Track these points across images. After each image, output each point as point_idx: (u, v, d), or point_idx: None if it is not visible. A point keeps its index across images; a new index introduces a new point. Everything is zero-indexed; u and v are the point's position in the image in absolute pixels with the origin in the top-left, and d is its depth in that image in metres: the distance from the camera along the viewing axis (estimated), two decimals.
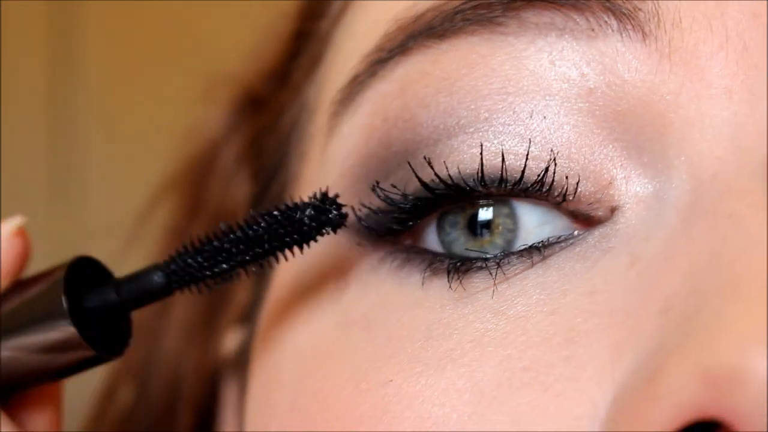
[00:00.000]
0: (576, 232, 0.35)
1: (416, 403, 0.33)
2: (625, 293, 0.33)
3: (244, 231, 0.36)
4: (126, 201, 0.57)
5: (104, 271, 0.38)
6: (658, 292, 0.32)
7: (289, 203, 0.36)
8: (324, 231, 0.36)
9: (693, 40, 0.34)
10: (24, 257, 0.38)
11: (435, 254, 0.36)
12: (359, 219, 0.37)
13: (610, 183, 0.35)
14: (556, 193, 0.35)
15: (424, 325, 0.35)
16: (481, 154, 0.35)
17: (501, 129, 0.35)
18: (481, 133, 0.35)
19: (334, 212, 0.35)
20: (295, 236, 0.36)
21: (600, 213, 0.35)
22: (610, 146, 0.35)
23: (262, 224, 0.36)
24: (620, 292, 0.33)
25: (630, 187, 0.34)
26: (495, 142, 0.35)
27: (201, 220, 0.54)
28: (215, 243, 0.36)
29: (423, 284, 0.36)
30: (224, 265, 0.36)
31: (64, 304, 0.36)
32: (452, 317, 0.35)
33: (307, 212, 0.35)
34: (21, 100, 1.33)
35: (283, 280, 0.41)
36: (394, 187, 0.37)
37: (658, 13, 0.34)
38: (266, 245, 0.36)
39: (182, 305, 0.53)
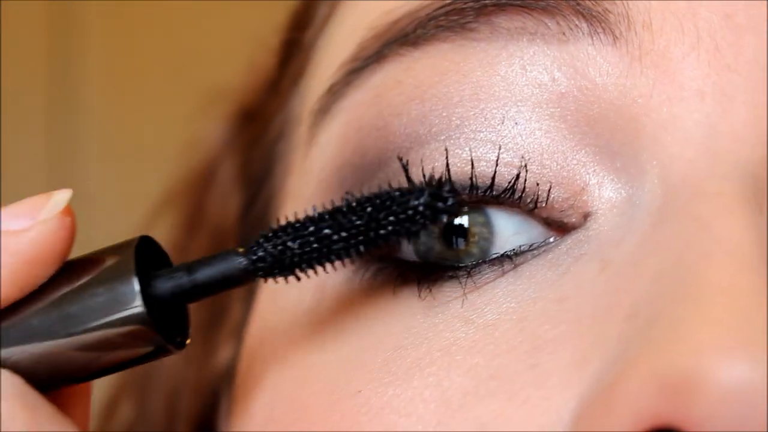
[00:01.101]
0: (551, 239, 0.35)
1: (384, 413, 0.33)
2: (593, 299, 0.32)
3: (345, 215, 0.33)
4: (126, 201, 0.57)
5: (162, 254, 0.34)
6: (624, 298, 0.31)
7: (402, 187, 0.33)
8: (438, 219, 0.33)
9: (664, 42, 0.34)
10: (73, 238, 0.34)
11: (407, 263, 0.36)
12: None
13: (583, 189, 0.34)
14: (528, 200, 0.35)
15: (393, 334, 0.35)
16: (447, 160, 0.35)
17: (472, 136, 0.35)
18: (452, 141, 0.35)
19: (451, 200, 0.33)
20: (407, 224, 0.33)
21: (573, 219, 0.34)
22: (583, 151, 0.34)
23: (367, 208, 0.33)
24: (589, 299, 0.32)
25: (603, 192, 0.34)
26: (465, 148, 0.35)
27: (200, 235, 0.53)
28: (310, 227, 0.33)
29: (394, 293, 0.36)
30: (319, 253, 0.33)
31: (136, 288, 0.32)
32: (422, 326, 0.34)
33: (422, 199, 0.33)
34: (21, 100, 1.33)
35: (265, 294, 0.41)
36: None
37: (628, 16, 0.34)
38: (371, 233, 0.33)
39: None
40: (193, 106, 0.56)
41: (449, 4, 0.36)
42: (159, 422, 0.53)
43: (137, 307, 0.32)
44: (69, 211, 0.34)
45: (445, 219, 0.33)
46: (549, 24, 0.35)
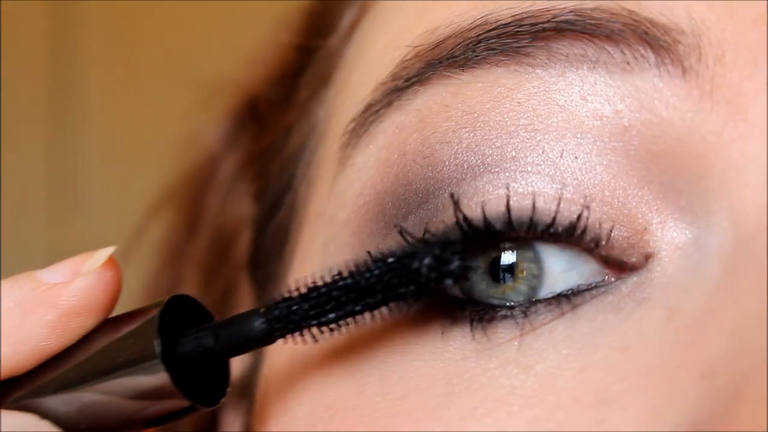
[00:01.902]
0: (606, 278, 0.33)
1: None
2: (662, 351, 0.30)
3: (354, 278, 0.33)
4: (127, 201, 0.56)
5: (201, 310, 0.35)
6: (699, 353, 0.29)
7: (407, 250, 0.33)
8: (443, 283, 0.32)
9: (737, 76, 0.32)
10: (116, 292, 0.34)
11: (455, 300, 0.34)
12: None
13: (645, 228, 0.32)
14: (588, 239, 0.33)
15: (444, 378, 0.33)
16: (507, 194, 0.33)
17: (529, 169, 0.33)
18: (508, 173, 0.33)
19: (456, 263, 0.32)
20: (411, 287, 0.32)
21: (634, 260, 0.32)
22: (646, 188, 0.32)
23: (375, 271, 0.33)
24: (657, 349, 0.30)
25: (666, 233, 0.32)
26: (522, 183, 0.33)
27: (200, 234, 0.52)
28: (322, 290, 0.33)
29: (443, 333, 0.33)
30: (332, 315, 0.33)
31: (157, 349, 0.33)
32: (475, 371, 0.32)
33: (426, 261, 0.32)
34: (21, 100, 1.33)
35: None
36: (421, 229, 0.34)
37: (699, 47, 0.32)
38: (379, 295, 0.33)
39: None
40: (194, 104, 0.55)
41: (503, 26, 0.34)
42: None
43: (158, 369, 0.33)
44: (112, 264, 0.34)
45: (451, 283, 0.32)
46: (612, 52, 0.33)
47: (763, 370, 0.28)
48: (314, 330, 0.33)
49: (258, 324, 0.33)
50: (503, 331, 0.33)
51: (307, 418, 0.35)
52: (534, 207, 0.33)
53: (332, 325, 0.33)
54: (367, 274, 0.33)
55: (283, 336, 0.33)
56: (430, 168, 0.34)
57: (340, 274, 0.33)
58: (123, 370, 0.34)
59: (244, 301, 0.49)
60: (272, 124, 0.47)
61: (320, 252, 0.37)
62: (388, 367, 0.34)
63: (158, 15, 1.36)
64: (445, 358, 0.33)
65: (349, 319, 0.33)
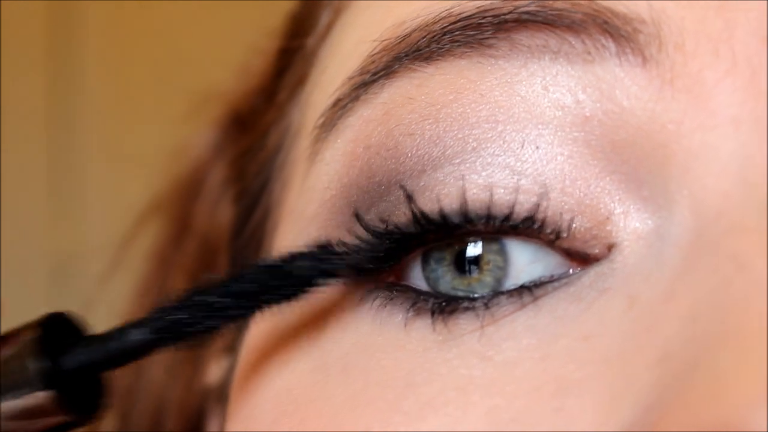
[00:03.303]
0: (571, 271, 0.33)
1: None
2: (621, 338, 0.30)
3: (230, 285, 0.34)
4: (126, 202, 0.56)
5: (77, 327, 0.36)
6: (655, 339, 0.29)
7: (283, 255, 0.34)
8: (321, 282, 0.33)
9: (697, 65, 0.31)
10: None
11: (419, 293, 0.34)
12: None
13: (608, 218, 0.32)
14: (548, 230, 0.33)
15: (405, 369, 0.33)
16: (463, 186, 0.33)
17: (490, 160, 0.33)
18: (467, 165, 0.33)
19: (335, 261, 0.33)
20: (290, 288, 0.34)
21: (596, 251, 0.32)
22: (608, 179, 0.32)
23: (251, 276, 0.34)
24: (616, 337, 0.30)
25: (629, 223, 0.32)
26: (483, 174, 0.33)
27: (188, 244, 0.52)
28: (198, 298, 0.34)
29: (405, 325, 0.33)
30: (210, 322, 0.34)
31: (37, 367, 0.34)
32: (436, 362, 0.32)
33: (301, 263, 0.33)
34: (21, 100, 1.33)
35: (260, 319, 0.38)
36: (382, 221, 0.34)
37: (659, 36, 0.32)
38: (258, 297, 0.34)
39: None
40: (195, 105, 0.54)
41: (466, 18, 0.34)
42: None
43: (39, 387, 0.34)
44: None
45: (328, 282, 0.34)
46: (573, 42, 0.33)
47: (715, 353, 0.28)
48: (196, 337, 0.34)
49: (137, 335, 0.34)
50: (465, 323, 0.33)
51: (272, 412, 0.35)
52: (491, 199, 0.33)
53: (212, 331, 0.34)
54: (243, 280, 0.34)
55: (164, 345, 0.34)
56: (393, 160, 0.34)
57: (217, 282, 0.34)
58: (4, 390, 0.34)
59: None
60: (252, 126, 0.47)
61: (291, 248, 0.37)
62: (351, 360, 0.34)
63: (158, 15, 1.36)
64: (407, 349, 0.33)
65: (231, 323, 0.34)
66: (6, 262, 1.16)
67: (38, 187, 1.35)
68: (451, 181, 0.33)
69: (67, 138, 1.36)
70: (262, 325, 0.38)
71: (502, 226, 0.33)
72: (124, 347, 0.34)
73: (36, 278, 1.23)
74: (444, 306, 0.33)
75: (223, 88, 0.52)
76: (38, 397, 0.34)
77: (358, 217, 0.35)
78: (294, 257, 0.34)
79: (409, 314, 0.33)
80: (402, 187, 0.34)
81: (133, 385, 0.52)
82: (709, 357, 0.28)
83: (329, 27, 0.41)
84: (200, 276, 0.52)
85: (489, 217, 0.33)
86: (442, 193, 0.33)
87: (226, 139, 0.51)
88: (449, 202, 0.33)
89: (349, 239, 0.35)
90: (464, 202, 0.33)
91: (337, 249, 0.34)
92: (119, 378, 0.53)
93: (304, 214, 0.37)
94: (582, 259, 0.33)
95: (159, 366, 0.52)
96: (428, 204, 0.33)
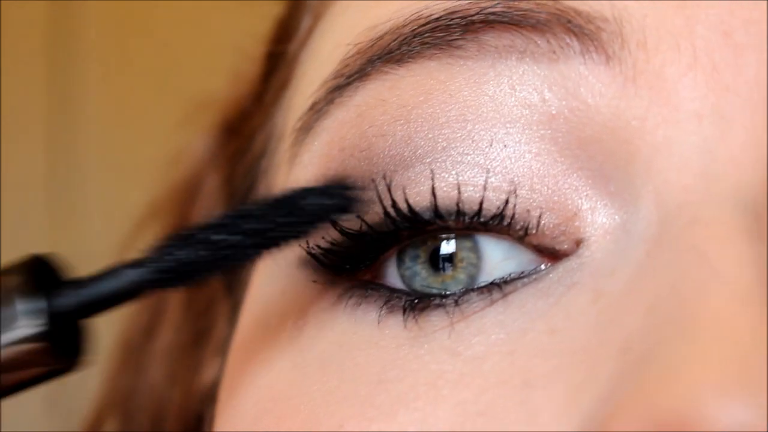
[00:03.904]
0: (542, 267, 0.33)
1: None
2: (586, 332, 0.31)
3: (237, 221, 0.33)
4: (126, 202, 0.56)
5: (58, 270, 0.34)
6: (618, 331, 0.30)
7: (294, 190, 0.33)
8: (333, 217, 0.33)
9: (659, 61, 0.32)
10: None
11: (392, 290, 0.35)
12: (314, 256, 0.36)
13: (575, 214, 0.33)
14: (517, 227, 0.33)
15: (378, 366, 0.33)
16: (433, 184, 0.34)
17: (459, 159, 0.34)
18: (438, 163, 0.34)
19: (348, 196, 0.33)
20: (302, 224, 0.33)
21: (565, 246, 0.33)
22: (575, 175, 0.33)
23: (259, 212, 0.33)
24: (581, 331, 0.31)
25: (596, 218, 0.33)
26: (452, 172, 0.34)
27: None
28: (201, 235, 0.33)
29: (379, 323, 0.34)
30: (214, 261, 0.33)
31: (28, 308, 0.32)
32: (407, 358, 0.33)
33: (313, 198, 0.33)
34: (20, 100, 1.33)
35: (247, 316, 0.39)
36: (357, 221, 0.35)
37: (621, 34, 0.32)
38: (267, 234, 0.33)
39: (165, 336, 0.52)
40: (194, 106, 0.55)
41: (435, 20, 0.34)
42: None
43: (32, 326, 0.32)
44: None
45: (340, 217, 0.33)
46: (539, 42, 0.33)
47: (670, 343, 0.28)
48: (197, 276, 0.33)
49: (130, 275, 0.32)
50: (436, 320, 0.33)
51: (254, 410, 0.36)
52: (460, 196, 0.34)
53: (213, 270, 0.33)
54: (249, 214, 0.32)
55: (163, 285, 0.33)
56: (366, 161, 0.35)
57: (219, 218, 0.33)
58: None
59: (223, 311, 0.49)
60: (241, 130, 0.48)
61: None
62: (328, 358, 0.35)
63: (158, 15, 1.36)
64: (380, 346, 0.34)
65: (232, 263, 0.33)
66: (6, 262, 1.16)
67: (38, 188, 1.35)
68: (422, 179, 0.34)
69: (66, 138, 1.36)
70: (248, 323, 0.39)
71: (472, 222, 0.34)
72: (119, 287, 0.33)
73: None
74: (416, 303, 0.34)
75: (219, 95, 0.52)
76: (28, 339, 0.32)
77: (331, 224, 0.35)
78: (306, 192, 0.33)
79: (383, 312, 0.34)
80: (374, 187, 0.35)
81: (134, 386, 0.52)
82: (665, 347, 0.28)
83: (310, 31, 0.42)
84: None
85: (459, 213, 0.34)
86: (413, 191, 0.34)
87: (220, 145, 0.52)
88: (420, 200, 0.34)
89: (326, 240, 0.35)
90: (434, 199, 0.34)
91: (349, 184, 0.33)
92: (121, 379, 0.53)
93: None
94: (552, 255, 0.33)
95: (158, 368, 0.52)
96: (400, 202, 0.34)
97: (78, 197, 1.35)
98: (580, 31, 0.33)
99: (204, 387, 0.50)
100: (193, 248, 0.32)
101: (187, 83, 0.60)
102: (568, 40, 0.33)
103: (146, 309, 0.54)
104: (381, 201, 0.34)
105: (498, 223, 0.33)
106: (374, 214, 0.35)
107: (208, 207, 0.52)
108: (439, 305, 0.33)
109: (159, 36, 1.36)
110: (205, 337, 0.51)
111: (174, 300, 0.52)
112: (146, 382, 0.52)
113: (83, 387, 0.55)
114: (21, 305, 0.32)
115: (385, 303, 0.34)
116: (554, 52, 0.33)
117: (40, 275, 0.33)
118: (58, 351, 0.32)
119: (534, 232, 0.33)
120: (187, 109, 0.54)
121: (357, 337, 0.34)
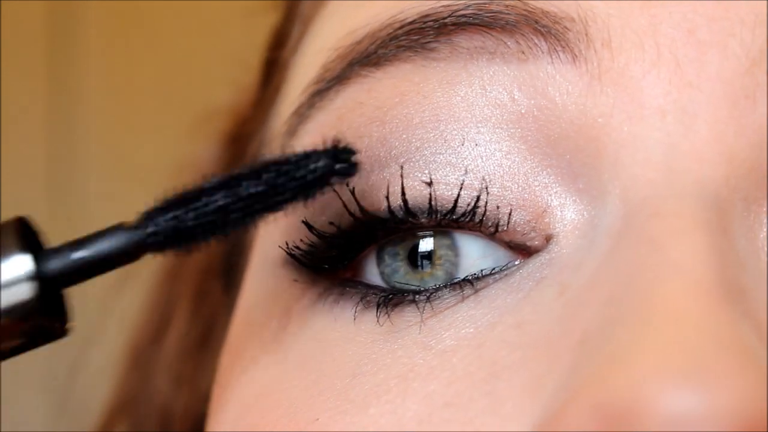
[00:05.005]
0: (514, 263, 0.34)
1: None
2: (550, 324, 0.32)
3: (236, 184, 0.32)
4: (127, 205, 0.56)
5: (35, 234, 0.33)
6: (578, 323, 0.31)
7: (296, 154, 0.33)
8: (335, 180, 0.33)
9: (624, 59, 0.33)
10: None
11: (369, 287, 0.35)
12: (294, 256, 0.37)
13: (545, 211, 0.34)
14: (489, 224, 0.34)
15: (354, 361, 0.34)
16: (403, 183, 0.35)
17: (432, 158, 0.35)
18: (411, 163, 0.35)
19: (349, 159, 0.33)
20: (303, 188, 0.33)
21: (537, 242, 0.34)
22: (544, 173, 0.34)
23: (264, 175, 0.33)
24: (546, 324, 0.32)
25: (565, 214, 0.34)
26: (425, 171, 0.35)
27: (193, 256, 0.52)
28: (203, 199, 0.32)
29: (355, 319, 0.35)
30: (212, 226, 0.32)
31: (29, 266, 0.30)
32: (381, 352, 0.34)
33: (316, 162, 0.33)
34: (21, 100, 1.33)
35: (238, 315, 0.40)
36: (333, 223, 0.36)
37: (587, 33, 0.33)
38: (267, 198, 0.33)
39: (172, 340, 0.53)
40: (194, 108, 0.55)
41: (409, 24, 0.35)
42: None
43: (25, 290, 0.31)
44: None
45: (341, 181, 0.33)
46: (508, 43, 0.34)
47: (621, 332, 0.29)
48: (194, 240, 0.32)
49: (128, 237, 0.32)
50: (409, 315, 0.34)
51: (239, 407, 0.36)
52: (433, 194, 0.34)
53: (214, 232, 0.32)
54: (256, 178, 0.32)
55: (159, 248, 0.32)
56: None
57: (218, 179, 0.32)
58: None
59: (226, 312, 0.50)
60: (237, 138, 0.50)
61: (260, 255, 0.39)
62: (307, 354, 0.35)
63: (159, 15, 1.35)
64: (356, 341, 0.35)
65: (231, 227, 0.32)
66: None
67: (38, 188, 1.35)
68: (396, 179, 0.35)
69: (66, 139, 1.36)
70: (237, 321, 0.40)
71: (445, 220, 0.34)
72: (114, 249, 0.32)
73: None
74: (389, 299, 0.35)
75: (222, 104, 0.52)
76: (24, 298, 0.31)
77: (307, 225, 0.36)
78: (307, 156, 0.33)
79: (359, 308, 0.35)
80: (350, 188, 0.35)
81: (142, 391, 0.53)
82: (616, 337, 0.29)
83: (300, 37, 0.43)
84: (204, 286, 0.53)
85: (431, 211, 0.34)
86: (387, 191, 0.35)
87: (225, 154, 0.52)
88: (394, 199, 0.35)
89: (306, 241, 0.36)
90: (407, 198, 0.35)
91: (350, 147, 0.34)
92: (129, 383, 0.54)
93: (270, 219, 0.38)
94: (523, 251, 0.34)
95: (165, 372, 0.53)
96: (375, 202, 0.35)
97: (78, 200, 1.35)
98: (547, 31, 0.34)
99: (208, 390, 0.50)
100: (192, 212, 0.32)
101: (187, 84, 0.60)
102: (536, 41, 0.34)
103: (154, 314, 0.54)
104: (357, 201, 0.35)
105: (470, 220, 0.34)
106: (349, 215, 0.35)
107: None
108: (412, 301, 0.34)
109: (159, 36, 1.36)
110: (210, 341, 0.51)
111: (181, 305, 0.53)
112: (154, 386, 0.53)
113: (90, 393, 0.56)
114: (17, 264, 0.31)
115: (361, 299, 0.35)
116: (523, 53, 0.34)
117: (28, 236, 0.32)
118: (50, 313, 0.31)
119: (505, 228, 0.34)
120: (189, 113, 0.54)
121: (334, 334, 0.35)
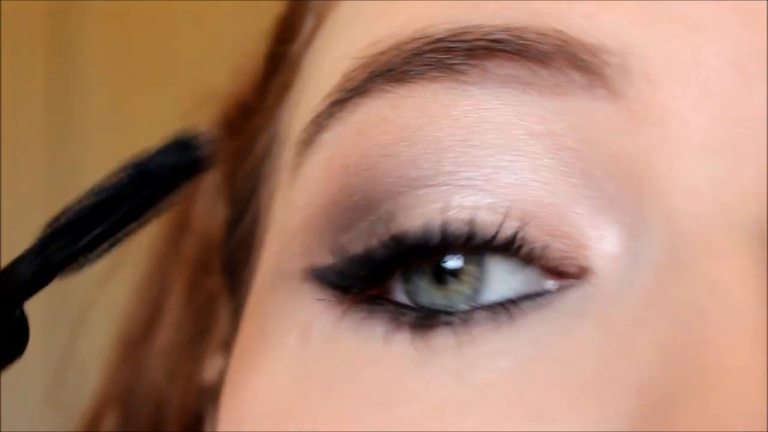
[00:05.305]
0: (549, 285, 0.33)
1: None
2: (597, 364, 0.30)
3: (97, 195, 0.33)
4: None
5: None
6: (630, 367, 0.29)
7: (138, 157, 0.33)
8: (182, 180, 0.33)
9: (666, 94, 0.31)
10: None
11: (398, 305, 0.34)
12: (320, 275, 0.35)
13: (583, 243, 0.32)
14: (523, 253, 0.33)
15: (384, 386, 0.33)
16: (440, 207, 0.33)
17: (464, 183, 0.33)
18: (445, 187, 0.33)
19: (193, 153, 0.33)
20: (152, 191, 0.33)
21: (573, 270, 0.32)
22: (582, 203, 0.32)
23: (114, 183, 0.33)
24: (592, 363, 0.30)
25: (604, 246, 0.32)
26: (456, 197, 0.33)
27: (186, 242, 0.52)
28: (72, 217, 0.33)
29: (385, 340, 0.34)
30: (90, 237, 0.33)
31: None
32: (413, 379, 0.32)
33: (156, 161, 0.33)
34: (20, 100, 1.33)
35: (249, 323, 0.39)
36: (362, 243, 0.34)
37: (628, 68, 0.32)
38: (126, 204, 0.33)
39: (164, 332, 0.52)
40: (195, 105, 0.54)
41: (438, 41, 0.34)
42: None
43: None
44: None
45: (191, 178, 0.33)
46: (542, 74, 0.32)
47: (692, 390, 0.28)
48: (82, 257, 0.33)
49: (24, 268, 0.33)
50: (443, 339, 0.33)
51: (254, 422, 0.35)
52: (471, 221, 0.33)
53: (96, 248, 0.33)
54: (109, 188, 0.33)
55: (54, 273, 0.33)
56: (370, 181, 0.34)
57: (83, 198, 0.33)
58: None
59: (223, 308, 0.49)
60: (242, 129, 0.48)
61: (275, 264, 0.38)
62: (333, 374, 0.34)
63: (159, 15, 1.35)
64: (386, 365, 0.33)
65: (113, 238, 0.33)
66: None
67: (38, 188, 1.35)
68: (430, 202, 0.34)
69: (66, 138, 1.36)
70: (249, 330, 0.39)
71: (477, 246, 0.33)
72: (13, 285, 0.33)
73: None
74: (422, 321, 0.33)
75: (221, 89, 0.52)
76: None
77: (337, 243, 0.35)
78: (151, 157, 0.33)
79: (389, 328, 0.34)
80: (383, 208, 0.34)
81: (134, 382, 0.52)
82: (686, 394, 0.28)
83: (313, 33, 0.41)
84: (197, 275, 0.52)
85: (468, 238, 0.33)
86: (422, 213, 0.34)
87: (220, 141, 0.52)
88: (429, 221, 0.33)
89: (332, 259, 0.35)
90: (443, 223, 0.33)
91: (198, 140, 0.33)
92: (120, 374, 0.53)
93: (287, 229, 0.37)
94: (559, 274, 0.33)
95: (159, 364, 0.52)
96: (408, 223, 0.34)
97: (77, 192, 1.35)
98: (584, 65, 0.32)
99: (203, 384, 0.50)
100: (63, 242, 0.33)
101: (188, 78, 0.60)
102: (572, 75, 0.32)
103: (145, 304, 0.53)
104: (386, 224, 0.34)
105: (504, 249, 0.33)
106: (381, 235, 0.34)
107: (208, 204, 0.51)
108: (445, 323, 0.33)
109: (160, 36, 1.36)
110: (206, 334, 0.51)
111: (174, 295, 0.52)
112: (146, 378, 0.52)
113: (83, 385, 0.55)
114: None
115: (391, 319, 0.34)
116: (558, 86, 0.32)
117: None
118: None
119: (539, 258, 0.33)
120: (189, 106, 0.53)
121: (363, 355, 0.34)
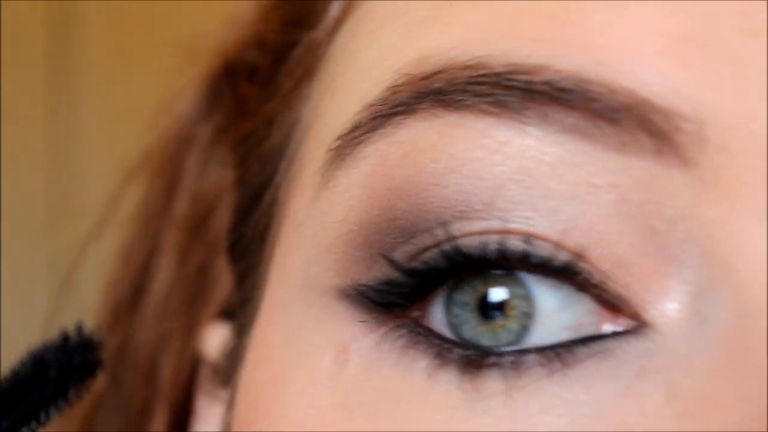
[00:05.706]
0: (603, 327, 0.31)
1: None
2: None
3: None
4: (127, 201, 0.55)
5: None
6: None
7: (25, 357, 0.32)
8: (76, 382, 0.32)
9: (742, 166, 0.30)
10: None
11: (444, 340, 0.33)
12: (360, 292, 0.34)
13: (643, 293, 0.31)
14: (580, 279, 0.31)
15: (431, 426, 0.32)
16: (503, 232, 0.32)
17: (520, 221, 0.32)
18: (499, 222, 0.32)
19: (87, 356, 0.32)
20: (45, 396, 0.32)
21: (630, 311, 0.31)
22: (648, 258, 0.31)
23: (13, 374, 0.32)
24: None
25: (668, 305, 0.31)
26: (515, 225, 0.32)
27: (177, 201, 0.51)
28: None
29: (429, 376, 0.32)
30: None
31: None
32: (463, 422, 0.31)
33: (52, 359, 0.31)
34: (20, 99, 1.33)
35: (269, 326, 0.37)
36: (409, 261, 0.33)
37: (702, 135, 0.30)
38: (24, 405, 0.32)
39: (155, 295, 0.50)
40: (189, 59, 0.53)
41: (495, 75, 0.32)
42: (135, 401, 0.50)
43: None
44: None
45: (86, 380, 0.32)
46: (608, 131, 0.31)
47: None
48: None
49: None
50: (491, 382, 0.31)
51: None
52: (528, 239, 0.32)
53: None
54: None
55: None
56: (417, 207, 0.33)
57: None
58: None
59: (223, 286, 0.48)
60: (254, 108, 0.45)
61: (302, 272, 0.36)
62: (375, 406, 0.33)
63: (159, 15, 1.36)
64: (431, 403, 0.32)
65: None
66: (6, 264, 1.16)
67: (37, 188, 1.35)
68: (482, 232, 0.32)
69: (66, 137, 1.36)
70: (272, 341, 0.37)
71: (536, 266, 0.32)
72: None
73: (36, 273, 1.22)
74: (470, 360, 0.32)
75: (214, 40, 0.50)
76: None
77: (381, 257, 0.33)
78: (46, 362, 0.31)
79: (433, 363, 0.32)
80: (432, 235, 0.33)
81: (125, 344, 0.51)
82: None
83: (338, 23, 0.39)
84: (189, 238, 0.51)
85: (524, 256, 0.32)
86: (477, 227, 0.32)
87: (215, 96, 0.50)
88: (486, 233, 0.32)
89: (373, 274, 0.34)
90: (502, 237, 0.32)
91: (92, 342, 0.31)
92: (111, 335, 0.51)
93: (317, 240, 0.36)
94: (614, 308, 0.31)
95: (151, 327, 0.51)
96: (466, 230, 0.32)
97: (78, 199, 1.35)
98: (655, 128, 0.30)
99: (201, 348, 0.48)
100: None
101: (187, 76, 0.58)
102: (640, 136, 0.30)
103: (133, 267, 0.52)
104: (441, 245, 0.33)
105: (559, 272, 0.32)
106: (435, 243, 0.33)
107: (203, 160, 0.50)
108: (494, 365, 0.32)
109: (159, 37, 1.36)
110: (200, 299, 0.49)
111: (165, 257, 0.51)
112: (138, 340, 0.50)
113: None
114: None
115: (437, 355, 0.33)
116: (624, 144, 0.31)
117: None
118: None
119: (595, 287, 0.31)
120: (186, 59, 0.52)
121: (407, 389, 0.33)
